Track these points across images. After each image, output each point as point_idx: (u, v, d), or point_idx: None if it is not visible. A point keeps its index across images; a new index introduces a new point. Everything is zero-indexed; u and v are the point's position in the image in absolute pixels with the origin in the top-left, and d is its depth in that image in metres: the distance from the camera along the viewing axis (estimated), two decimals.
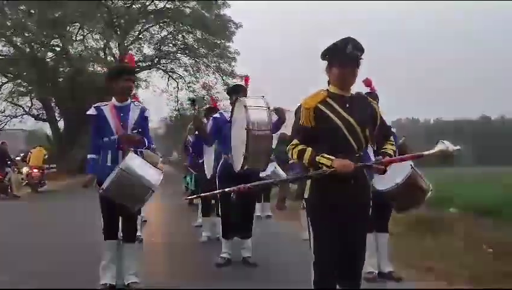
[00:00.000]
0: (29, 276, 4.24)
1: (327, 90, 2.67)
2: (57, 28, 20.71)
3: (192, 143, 6.86)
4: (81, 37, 22.70)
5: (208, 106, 10.54)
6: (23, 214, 9.91)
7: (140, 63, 24.40)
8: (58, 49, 22.58)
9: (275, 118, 4.38)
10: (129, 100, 3.86)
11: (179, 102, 27.53)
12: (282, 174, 8.20)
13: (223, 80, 25.63)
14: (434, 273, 4.19)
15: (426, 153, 2.48)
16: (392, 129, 4.18)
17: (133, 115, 3.78)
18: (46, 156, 15.66)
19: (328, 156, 2.48)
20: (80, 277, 4.12)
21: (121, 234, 3.85)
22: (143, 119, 3.83)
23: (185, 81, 26.94)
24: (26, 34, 20.66)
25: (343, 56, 2.53)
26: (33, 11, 20.33)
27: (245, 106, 4.02)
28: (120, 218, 3.76)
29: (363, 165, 2.52)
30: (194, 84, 26.86)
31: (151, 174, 3.57)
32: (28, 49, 21.36)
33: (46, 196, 14.28)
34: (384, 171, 2.56)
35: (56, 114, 24.81)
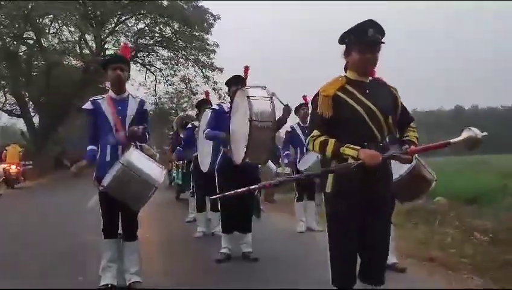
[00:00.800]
0: (27, 277, 4.06)
1: (345, 76, 2.53)
2: (29, 20, 19.99)
3: (185, 136, 6.69)
4: (55, 29, 22.03)
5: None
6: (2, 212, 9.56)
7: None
8: (31, 42, 21.84)
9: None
10: (126, 92, 3.71)
11: (157, 96, 27.14)
12: (273, 167, 8.14)
13: (202, 72, 25.36)
14: (436, 263, 4.20)
15: (453, 140, 2.34)
16: None
17: (131, 108, 3.62)
18: (21, 153, 15.61)
19: (354, 147, 2.34)
20: (72, 276, 3.96)
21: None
22: (142, 112, 3.68)
23: (163, 74, 26.57)
24: None
25: (364, 40, 2.40)
26: (3, 3, 19.56)
27: (248, 96, 3.93)
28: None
29: (389, 155, 2.39)
30: (173, 77, 26.55)
31: (153, 169, 3.44)
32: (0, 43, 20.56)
33: (23, 193, 13.89)
34: (410, 161, 2.47)
35: (30, 109, 24.07)
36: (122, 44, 4.84)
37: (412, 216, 6.52)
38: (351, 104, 2.41)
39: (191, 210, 7.32)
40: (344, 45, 2.53)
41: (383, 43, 2.44)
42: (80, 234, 6.04)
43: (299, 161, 6.18)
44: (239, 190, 2.57)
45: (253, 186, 2.62)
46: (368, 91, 2.45)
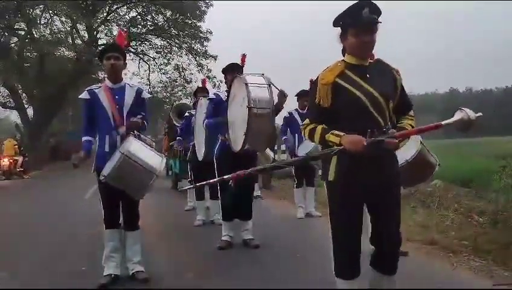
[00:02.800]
0: (25, 273, 4.04)
1: (343, 60, 2.40)
2: (20, 11, 19.69)
3: (181, 126, 6.66)
4: (46, 20, 21.73)
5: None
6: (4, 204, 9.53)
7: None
8: (22, 33, 21.54)
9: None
10: (123, 81, 3.67)
11: (151, 85, 26.91)
12: (271, 154, 8.12)
13: (196, 60, 25.14)
14: (437, 246, 4.22)
15: (445, 122, 2.22)
16: None
17: (129, 97, 3.58)
18: (16, 146, 15.82)
19: (338, 133, 2.26)
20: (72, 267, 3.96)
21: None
22: (140, 101, 3.64)
23: (156, 63, 26.32)
24: None
25: (359, 21, 2.27)
26: None
27: (246, 83, 3.89)
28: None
29: (373, 140, 2.21)
30: (166, 66, 26.31)
31: (153, 157, 3.41)
32: None
33: (19, 185, 13.83)
34: (396, 146, 2.30)
35: (24, 102, 23.84)
36: (118, 31, 4.69)
37: (410, 200, 6.54)
38: (351, 90, 2.31)
39: (189, 199, 7.33)
40: (339, 28, 2.40)
41: (379, 23, 2.30)
42: (80, 225, 6.04)
43: (298, 147, 6.17)
44: (220, 178, 2.62)
45: (227, 176, 2.57)
46: (368, 75, 2.34)
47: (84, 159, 3.56)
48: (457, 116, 2.24)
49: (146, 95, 3.74)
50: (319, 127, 2.34)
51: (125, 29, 22.99)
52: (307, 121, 2.43)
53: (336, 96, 2.32)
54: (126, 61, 3.72)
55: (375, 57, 2.54)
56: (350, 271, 2.42)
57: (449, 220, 5.21)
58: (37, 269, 4.07)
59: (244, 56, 4.58)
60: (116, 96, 3.54)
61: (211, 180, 2.92)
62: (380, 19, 2.31)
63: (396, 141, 2.28)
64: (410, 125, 2.41)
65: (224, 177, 2.52)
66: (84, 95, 3.58)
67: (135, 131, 3.55)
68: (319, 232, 5.49)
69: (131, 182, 3.30)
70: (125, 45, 3.80)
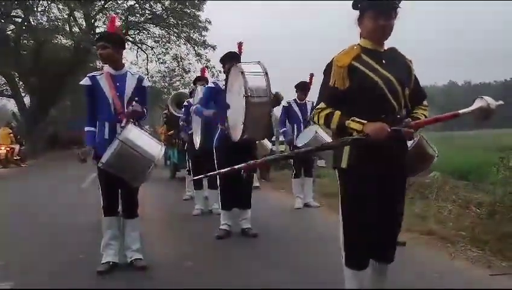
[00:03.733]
0: (23, 260, 4.04)
1: (359, 45, 2.34)
2: None
3: (183, 115, 6.63)
4: (44, 7, 21.50)
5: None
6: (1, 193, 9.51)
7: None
8: (19, 20, 21.34)
9: None
10: (125, 68, 3.65)
11: (149, 74, 26.77)
12: (269, 145, 8.10)
13: (194, 50, 25.01)
14: (435, 236, 4.24)
15: (463, 111, 2.16)
16: None
17: (130, 85, 3.56)
18: (11, 134, 15.80)
19: (359, 120, 2.19)
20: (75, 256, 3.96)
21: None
22: (141, 89, 3.61)
23: (154, 52, 26.16)
24: None
25: (378, 5, 2.21)
26: None
27: (242, 72, 3.87)
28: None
29: (396, 128, 2.18)
30: (164, 55, 26.16)
31: (151, 145, 3.40)
32: None
33: (15, 173, 13.80)
34: (412, 136, 2.29)
35: (21, 90, 23.70)
36: (111, 17, 4.53)
37: (408, 191, 6.55)
38: (368, 74, 2.24)
39: (187, 188, 7.32)
40: (358, 11, 2.33)
41: (398, 7, 2.23)
42: (78, 213, 6.04)
43: (296, 138, 6.15)
44: (223, 170, 2.48)
45: (239, 165, 2.46)
46: (384, 61, 2.28)
47: (89, 152, 3.53)
48: (477, 104, 2.17)
49: (147, 83, 3.72)
50: (337, 113, 2.27)
51: (123, 18, 22.87)
52: (322, 104, 2.32)
53: (351, 79, 2.25)
54: (121, 48, 3.67)
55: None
56: (360, 262, 2.36)
57: (447, 211, 5.22)
58: (35, 257, 4.06)
59: (240, 44, 4.54)
60: (118, 84, 3.52)
61: (222, 170, 2.77)
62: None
63: (413, 130, 2.26)
64: (424, 115, 2.38)
65: (235, 167, 2.45)
66: (85, 81, 3.55)
67: (134, 119, 3.55)
68: (317, 222, 5.52)
69: (129, 169, 3.29)
70: (113, 30, 3.73)
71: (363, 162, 2.25)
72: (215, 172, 2.81)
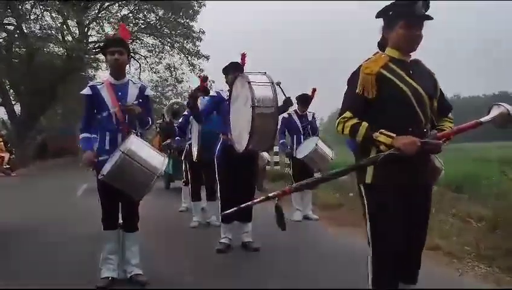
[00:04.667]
0: (18, 270, 3.90)
1: (386, 54, 2.29)
2: (10, 5, 19.31)
3: (179, 124, 6.54)
4: (36, 15, 21.33)
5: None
6: None
7: (100, 44, 23.35)
8: (11, 28, 21.14)
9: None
10: (126, 77, 3.55)
11: (144, 84, 26.60)
12: (267, 156, 8.03)
13: (188, 60, 24.97)
14: (441, 251, 4.18)
15: (484, 119, 2.11)
16: None
17: (132, 94, 3.46)
18: (1, 142, 15.39)
19: (388, 133, 2.10)
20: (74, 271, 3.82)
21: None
22: (143, 98, 3.52)
23: (147, 62, 26.08)
24: None
25: (411, 14, 2.15)
26: None
27: (249, 82, 3.80)
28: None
29: (425, 141, 2.11)
30: (157, 65, 26.10)
31: (154, 157, 3.30)
32: None
33: (5, 182, 13.51)
34: (439, 148, 2.17)
35: (11, 98, 23.40)
36: (120, 24, 4.43)
37: None
38: (397, 83, 2.18)
39: (183, 199, 7.20)
40: (382, 19, 2.29)
41: (432, 19, 2.18)
42: (73, 224, 5.89)
43: (295, 149, 6.09)
44: (256, 200, 2.41)
45: (272, 194, 2.34)
46: (411, 71, 2.23)
47: (93, 157, 3.38)
48: (496, 111, 2.12)
49: (149, 92, 3.64)
50: (364, 124, 2.18)
51: (116, 28, 22.80)
52: (347, 113, 2.23)
53: (380, 88, 2.18)
54: (130, 56, 3.61)
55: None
56: (391, 283, 2.25)
57: (449, 225, 5.17)
58: (29, 270, 3.92)
59: (244, 55, 4.49)
60: (119, 93, 3.42)
61: (256, 201, 2.55)
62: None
63: (441, 142, 2.18)
64: (450, 127, 2.32)
65: (270, 195, 2.35)
66: (86, 90, 3.44)
67: (137, 130, 3.46)
68: (317, 235, 5.45)
69: (131, 182, 3.18)
70: (128, 39, 3.66)
71: (389, 175, 2.16)
72: (248, 203, 2.65)
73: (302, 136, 6.14)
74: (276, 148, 10.26)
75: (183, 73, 25.59)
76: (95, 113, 3.44)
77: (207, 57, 24.47)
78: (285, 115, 6.15)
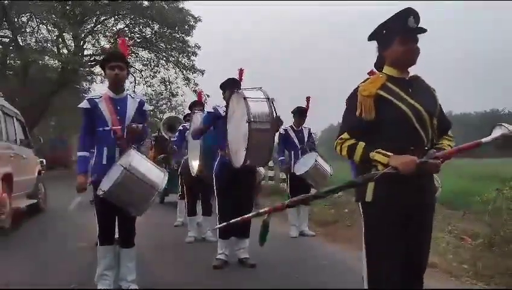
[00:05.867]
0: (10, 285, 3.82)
1: (384, 73, 2.26)
2: (6, 18, 19.36)
3: (175, 140, 6.53)
4: (32, 28, 21.39)
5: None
6: None
7: (95, 57, 23.39)
8: (7, 40, 21.15)
9: None
10: (125, 92, 3.55)
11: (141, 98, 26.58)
12: (262, 171, 8.02)
13: (183, 74, 25.07)
14: (438, 269, 4.16)
15: (485, 140, 2.08)
16: None
17: (130, 109, 3.46)
18: None
19: (385, 152, 2.08)
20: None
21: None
22: (142, 113, 3.53)
23: (142, 76, 26.14)
24: None
25: (405, 31, 2.15)
26: None
27: (244, 98, 3.85)
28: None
29: (424, 161, 2.07)
30: (152, 78, 26.17)
31: (154, 172, 3.30)
32: None
33: None
34: (438, 168, 2.12)
35: None
36: (120, 40, 4.41)
37: None
38: (395, 103, 2.15)
39: (179, 214, 7.15)
40: (375, 41, 2.28)
41: (425, 31, 2.17)
42: (66, 238, 5.81)
43: (293, 165, 6.09)
44: (246, 216, 2.36)
45: (263, 210, 2.30)
46: (410, 90, 2.20)
47: (85, 182, 3.38)
48: (498, 132, 2.09)
49: (148, 107, 3.65)
50: (361, 144, 2.16)
51: (112, 42, 22.89)
52: (345, 135, 2.21)
53: (378, 109, 2.15)
54: (129, 71, 3.62)
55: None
56: None
57: (444, 243, 5.17)
58: (22, 285, 3.84)
59: (241, 71, 4.53)
60: (118, 107, 3.41)
61: (245, 216, 2.50)
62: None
63: (438, 162, 2.13)
64: (450, 146, 2.28)
65: (260, 211, 2.32)
66: (84, 104, 3.43)
67: (135, 143, 3.45)
68: (314, 251, 5.42)
69: (132, 198, 3.17)
70: (127, 54, 3.68)
71: (389, 194, 2.13)
72: (239, 218, 2.62)
73: (299, 152, 6.14)
74: (270, 163, 10.26)
75: (178, 87, 25.67)
76: (92, 128, 3.42)
77: (202, 72, 24.59)
78: (281, 130, 6.17)
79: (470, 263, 4.26)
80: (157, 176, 3.27)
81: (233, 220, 2.45)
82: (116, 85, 3.47)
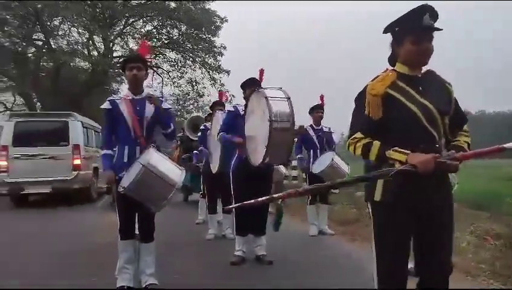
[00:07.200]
0: (40, 278, 4.04)
1: (394, 70, 2.22)
2: (39, 21, 20.09)
3: (199, 138, 6.68)
4: (64, 31, 22.09)
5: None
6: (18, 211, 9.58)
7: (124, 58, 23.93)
8: (40, 43, 21.93)
9: None
10: (144, 92, 3.69)
11: (164, 97, 27.03)
12: (283, 170, 8.08)
13: (209, 74, 25.34)
14: (455, 269, 4.13)
15: (508, 145, 1.99)
16: None
17: (149, 109, 3.60)
18: None
19: (402, 150, 2.04)
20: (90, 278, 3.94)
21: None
22: (163, 111, 3.64)
23: (169, 76, 26.56)
24: (6, 28, 19.93)
25: (418, 28, 2.08)
26: (13, 5, 19.63)
27: (266, 97, 3.90)
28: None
29: (442, 161, 2.01)
30: (179, 79, 26.55)
31: (172, 170, 3.42)
32: (8, 44, 20.60)
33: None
34: (457, 169, 2.07)
35: (38, 111, 24.13)
36: (142, 41, 4.58)
37: None
38: (404, 102, 2.11)
39: (200, 212, 7.30)
40: (390, 34, 2.22)
41: (441, 30, 2.11)
42: (91, 234, 6.04)
43: (311, 164, 6.13)
44: (260, 199, 2.27)
45: (277, 195, 2.31)
46: (421, 88, 2.15)
47: (113, 176, 3.54)
48: None
49: (166, 105, 3.76)
50: (376, 143, 2.12)
51: (140, 43, 23.37)
52: (358, 134, 2.18)
53: (387, 108, 2.12)
54: (148, 72, 3.76)
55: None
56: None
57: (465, 243, 5.11)
58: (48, 278, 4.04)
59: (262, 71, 4.59)
60: (137, 108, 3.56)
61: (260, 199, 2.38)
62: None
63: (458, 163, 2.07)
64: (467, 142, 2.23)
65: (274, 195, 2.34)
66: (105, 105, 3.60)
67: (156, 143, 3.60)
68: (332, 250, 5.44)
69: (151, 195, 3.30)
70: (148, 56, 3.83)
71: (398, 194, 2.10)
72: (239, 203, 2.65)
73: (318, 151, 6.17)
74: (294, 163, 10.30)
75: (204, 87, 25.91)
76: (114, 127, 3.59)
77: (228, 72, 24.79)
78: None
79: (489, 263, 4.21)
80: (175, 173, 3.39)
81: (247, 202, 2.43)
82: (135, 85, 3.62)
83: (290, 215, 8.43)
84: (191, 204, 9.85)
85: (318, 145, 6.17)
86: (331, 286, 3.83)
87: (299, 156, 6.34)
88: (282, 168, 7.81)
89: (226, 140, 4.64)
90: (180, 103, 27.72)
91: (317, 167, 5.87)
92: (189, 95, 27.21)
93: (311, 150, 6.20)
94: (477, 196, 9.01)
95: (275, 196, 2.34)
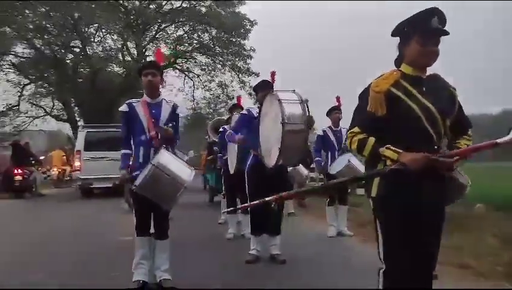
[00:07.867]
0: (62, 274, 4.30)
1: (399, 70, 2.26)
2: (76, 29, 20.96)
3: (218, 140, 6.86)
4: (100, 38, 22.94)
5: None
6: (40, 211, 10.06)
7: None
8: (77, 50, 22.84)
9: None
10: (160, 97, 3.87)
11: (195, 101, 27.59)
12: (305, 171, 8.12)
13: (238, 77, 25.60)
14: (469, 270, 4.10)
15: (501, 140, 2.01)
16: None
17: (165, 112, 3.78)
18: (64, 157, 16.75)
19: (395, 149, 2.09)
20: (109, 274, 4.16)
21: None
22: (174, 116, 3.83)
23: (200, 80, 27.00)
24: (46, 36, 20.91)
25: (426, 30, 2.13)
26: (52, 14, 20.57)
27: (279, 100, 3.99)
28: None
29: (435, 159, 2.05)
30: (210, 82, 26.94)
31: (182, 170, 3.56)
32: (48, 51, 21.59)
33: (65, 193, 14.51)
34: (451, 167, 2.11)
35: (76, 115, 25.10)
36: (157, 49, 4.86)
37: (446, 222, 6.34)
38: (405, 101, 2.15)
39: (222, 212, 7.46)
40: (398, 37, 2.27)
41: (448, 34, 2.15)
42: (118, 231, 6.31)
43: (330, 165, 6.16)
44: (253, 203, 2.46)
45: (268, 199, 2.46)
46: (424, 89, 2.18)
47: (125, 177, 3.76)
48: None
49: (180, 111, 3.94)
50: (371, 139, 2.18)
51: (172, 48, 23.92)
52: (356, 129, 2.24)
53: (389, 106, 2.16)
54: (164, 78, 3.95)
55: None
56: None
57: (485, 245, 5.02)
58: (72, 272, 4.32)
59: (273, 73, 4.68)
60: (153, 111, 3.74)
61: (255, 202, 2.65)
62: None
63: (452, 160, 2.11)
64: (466, 145, 2.25)
65: (266, 199, 2.47)
66: (123, 107, 3.82)
67: (167, 144, 3.75)
68: (348, 251, 5.45)
69: (160, 193, 3.46)
70: (162, 62, 4.02)
71: (391, 192, 2.14)
72: (246, 205, 2.76)
73: (336, 152, 6.20)
74: (312, 165, 10.29)
75: (234, 90, 26.17)
76: (131, 128, 3.79)
77: (257, 74, 24.94)
78: (319, 132, 6.27)
79: (506, 266, 4.13)
80: (185, 172, 3.54)
81: (242, 205, 2.58)
82: (151, 90, 3.81)
83: (311, 216, 8.48)
84: (216, 204, 10.05)
85: (336, 147, 6.19)
86: (343, 286, 3.87)
87: (317, 158, 6.35)
88: (303, 169, 7.85)
89: (228, 138, 4.79)
90: (212, 106, 28.12)
91: (334, 168, 5.91)
92: (219, 98, 27.56)
93: (329, 152, 6.23)
94: (507, 198, 8.76)
95: (267, 199, 2.47)
